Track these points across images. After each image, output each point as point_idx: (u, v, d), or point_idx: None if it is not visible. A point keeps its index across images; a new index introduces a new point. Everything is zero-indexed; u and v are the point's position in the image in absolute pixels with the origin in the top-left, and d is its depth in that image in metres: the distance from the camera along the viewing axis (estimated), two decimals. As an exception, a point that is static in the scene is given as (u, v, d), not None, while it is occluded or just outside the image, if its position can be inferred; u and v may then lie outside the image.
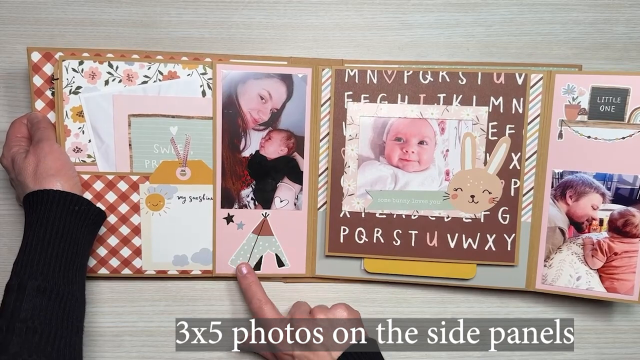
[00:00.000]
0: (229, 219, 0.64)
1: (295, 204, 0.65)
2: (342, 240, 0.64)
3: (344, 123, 0.63)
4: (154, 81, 0.61)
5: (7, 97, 0.65)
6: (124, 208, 0.63)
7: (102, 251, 0.64)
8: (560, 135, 0.61)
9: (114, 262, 0.64)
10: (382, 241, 0.63)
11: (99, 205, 0.62)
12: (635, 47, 0.66)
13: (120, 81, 0.61)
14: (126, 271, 0.64)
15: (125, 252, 0.64)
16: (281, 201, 0.65)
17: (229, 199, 0.63)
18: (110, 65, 0.61)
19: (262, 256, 0.65)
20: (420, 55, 0.66)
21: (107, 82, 0.61)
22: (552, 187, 0.62)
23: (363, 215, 0.63)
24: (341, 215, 0.64)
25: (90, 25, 0.65)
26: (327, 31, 0.66)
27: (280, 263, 0.66)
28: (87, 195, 0.62)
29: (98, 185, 0.62)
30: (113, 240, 0.64)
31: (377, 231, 0.63)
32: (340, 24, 0.66)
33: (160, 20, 0.65)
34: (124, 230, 0.64)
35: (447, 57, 0.66)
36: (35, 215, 0.54)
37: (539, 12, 0.65)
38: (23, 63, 0.64)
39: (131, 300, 0.66)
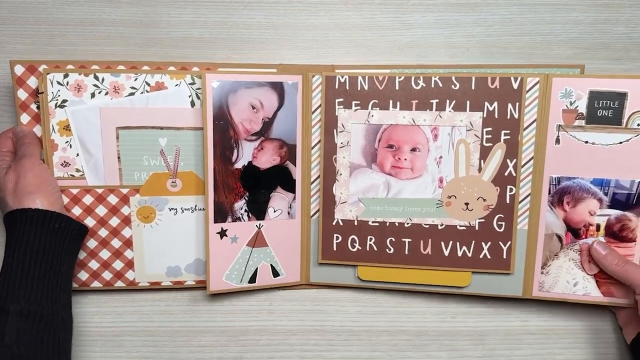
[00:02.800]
0: (223, 233, 0.63)
1: (289, 213, 0.64)
2: (335, 248, 0.64)
3: (335, 130, 0.62)
4: (141, 92, 0.60)
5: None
6: (114, 221, 0.63)
7: (94, 264, 0.63)
8: (558, 141, 0.60)
9: (107, 275, 0.64)
10: (376, 249, 0.63)
11: (88, 219, 0.61)
12: (635, 47, 0.65)
13: (106, 93, 0.60)
14: (119, 284, 0.64)
15: (118, 264, 0.63)
16: (275, 211, 0.64)
17: (222, 213, 0.62)
18: (96, 78, 0.60)
19: (257, 268, 0.64)
20: (420, 56, 0.65)
21: (93, 95, 0.60)
22: (549, 193, 0.61)
23: (356, 223, 0.63)
24: (334, 223, 0.63)
25: (90, 25, 0.64)
26: (327, 31, 0.65)
27: (276, 273, 0.65)
28: (77, 210, 0.61)
29: (87, 200, 0.61)
30: (105, 254, 0.63)
31: (370, 239, 0.63)
32: (340, 24, 0.65)
33: (160, 20, 0.65)
34: (116, 243, 0.63)
35: (447, 57, 0.65)
36: (14, 235, 0.53)
37: (539, 12, 0.64)
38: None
39: (131, 301, 0.66)
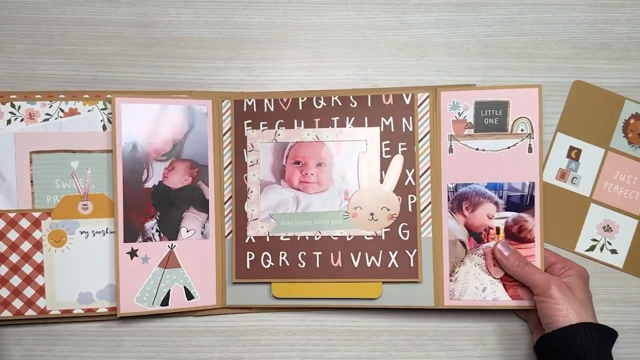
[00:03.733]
0: (133, 253, 0.63)
1: (202, 233, 0.65)
2: (248, 266, 0.64)
3: (244, 150, 0.65)
4: (55, 118, 0.63)
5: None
6: (26, 246, 0.63)
7: (4, 292, 0.62)
8: (451, 150, 0.63)
9: (17, 304, 0.63)
10: (288, 264, 0.63)
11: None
12: (635, 47, 0.66)
13: (22, 120, 0.63)
14: (30, 312, 0.63)
15: (29, 292, 0.63)
16: (188, 231, 0.65)
17: (132, 233, 0.63)
18: (13, 105, 0.63)
19: (169, 290, 0.64)
20: (421, 55, 0.67)
21: (9, 122, 0.63)
22: (448, 200, 0.63)
23: (268, 239, 0.64)
24: (247, 240, 0.64)
25: (90, 25, 0.66)
26: (327, 31, 0.67)
27: (190, 295, 0.65)
28: (-14, 234, 0.62)
29: (-1, 224, 0.62)
30: (16, 280, 0.63)
31: (282, 254, 0.64)
32: (340, 24, 0.67)
33: (160, 20, 0.67)
34: (27, 269, 0.63)
35: (447, 57, 0.67)
36: None
37: (539, 12, 0.67)
38: (23, 63, 0.66)
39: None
